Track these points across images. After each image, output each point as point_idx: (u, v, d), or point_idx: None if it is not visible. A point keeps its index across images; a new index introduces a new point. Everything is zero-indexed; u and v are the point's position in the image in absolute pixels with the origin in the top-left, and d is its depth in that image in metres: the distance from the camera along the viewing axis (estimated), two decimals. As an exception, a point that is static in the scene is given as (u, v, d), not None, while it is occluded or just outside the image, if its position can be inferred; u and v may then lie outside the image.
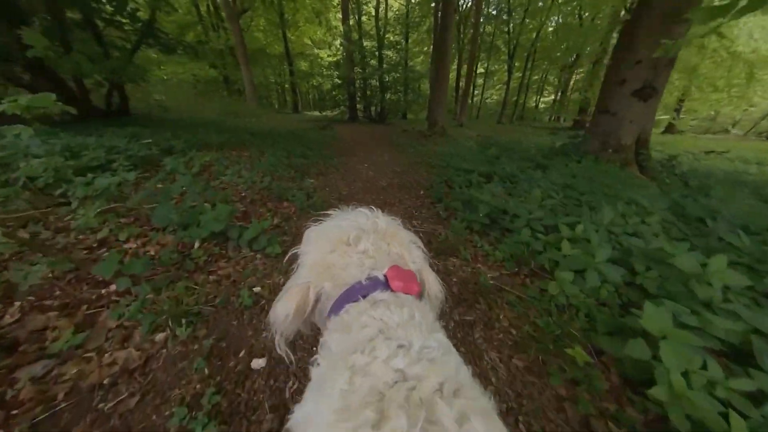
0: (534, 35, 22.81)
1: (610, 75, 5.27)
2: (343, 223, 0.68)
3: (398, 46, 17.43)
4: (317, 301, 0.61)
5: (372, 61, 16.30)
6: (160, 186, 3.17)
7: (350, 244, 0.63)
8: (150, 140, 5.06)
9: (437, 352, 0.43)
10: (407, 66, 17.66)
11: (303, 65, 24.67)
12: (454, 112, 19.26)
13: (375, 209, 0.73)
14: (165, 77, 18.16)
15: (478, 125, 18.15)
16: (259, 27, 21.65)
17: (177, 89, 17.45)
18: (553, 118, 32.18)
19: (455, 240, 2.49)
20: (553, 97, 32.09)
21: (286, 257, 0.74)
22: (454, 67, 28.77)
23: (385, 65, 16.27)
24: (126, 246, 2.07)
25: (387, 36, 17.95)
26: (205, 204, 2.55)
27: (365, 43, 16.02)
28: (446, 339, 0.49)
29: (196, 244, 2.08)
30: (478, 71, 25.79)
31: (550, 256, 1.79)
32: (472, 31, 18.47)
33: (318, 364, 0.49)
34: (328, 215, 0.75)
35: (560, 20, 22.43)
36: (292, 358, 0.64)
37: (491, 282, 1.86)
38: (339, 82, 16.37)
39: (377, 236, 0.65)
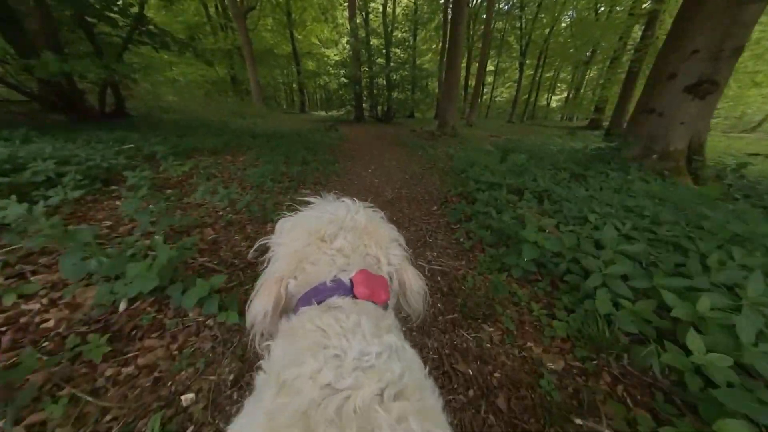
0: (547, 31, 21.56)
1: (656, 68, 4.40)
2: (322, 216, 0.62)
3: (406, 44, 16.56)
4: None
5: (379, 59, 15.50)
6: (118, 204, 2.55)
7: (326, 240, 0.58)
8: (132, 145, 4.48)
9: (378, 358, 0.39)
10: (415, 64, 16.77)
11: (310, 65, 24.03)
12: (462, 111, 18.33)
13: (356, 201, 0.66)
14: (176, 78, 17.80)
15: (489, 125, 17.22)
16: (266, 27, 21.13)
17: (186, 90, 17.06)
18: (564, 117, 30.76)
19: (486, 288, 1.78)
20: (565, 95, 30.58)
21: (254, 247, 0.66)
22: (464, 64, 27.62)
23: (392, 63, 15.45)
24: (25, 308, 1.43)
25: (395, 33, 17.10)
26: (156, 237, 1.90)
27: (372, 41, 15.19)
28: (397, 339, 0.44)
29: (121, 307, 1.43)
30: (487, 69, 24.66)
31: (664, 360, 1.05)
32: (482, 27, 17.47)
33: (261, 371, 0.44)
34: (307, 203, 0.68)
35: (575, 15, 21.06)
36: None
37: (556, 391, 1.13)
38: (345, 81, 15.64)
39: (355, 234, 0.60)
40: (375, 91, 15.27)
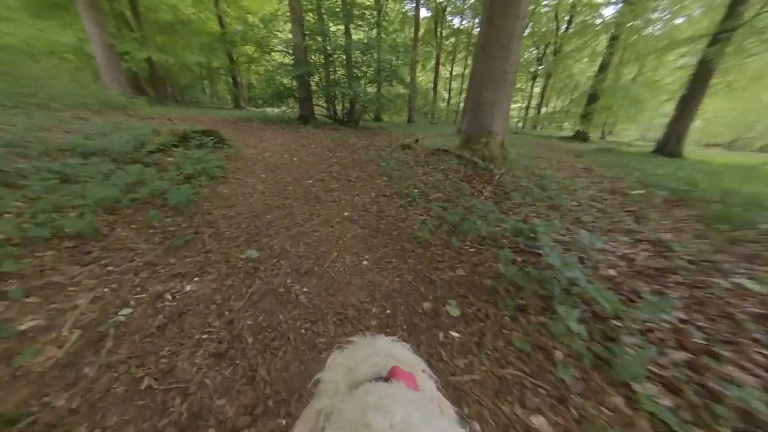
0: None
1: None
2: (357, 350, 0.54)
3: (371, 17, 9.85)
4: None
5: (338, 30, 8.92)
6: None
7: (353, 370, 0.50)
8: None
9: None
10: (380, 48, 9.78)
11: (248, 49, 15.70)
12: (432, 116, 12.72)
13: (397, 339, 0.57)
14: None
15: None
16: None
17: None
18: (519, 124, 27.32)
19: None
20: (524, 104, 27.18)
21: (311, 383, 0.55)
22: (431, 65, 21.34)
23: (356, 39, 9.03)
24: None
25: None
26: None
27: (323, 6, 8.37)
28: (452, 429, 0.33)
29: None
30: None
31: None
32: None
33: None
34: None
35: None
36: None
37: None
38: (282, 59, 8.81)
39: (382, 359, 0.51)
40: (333, 77, 8.72)
